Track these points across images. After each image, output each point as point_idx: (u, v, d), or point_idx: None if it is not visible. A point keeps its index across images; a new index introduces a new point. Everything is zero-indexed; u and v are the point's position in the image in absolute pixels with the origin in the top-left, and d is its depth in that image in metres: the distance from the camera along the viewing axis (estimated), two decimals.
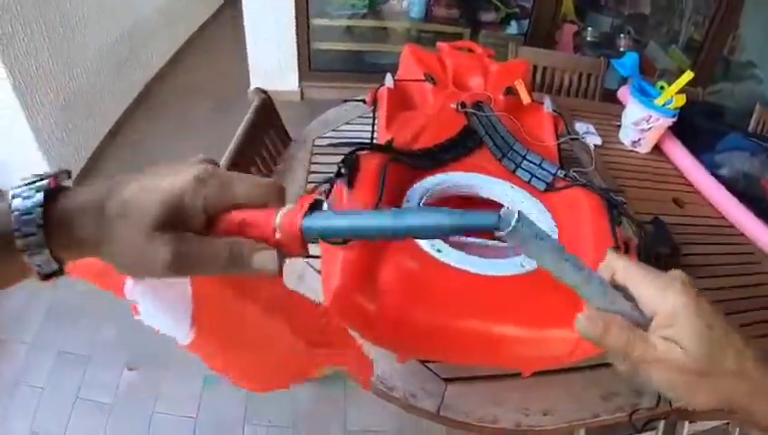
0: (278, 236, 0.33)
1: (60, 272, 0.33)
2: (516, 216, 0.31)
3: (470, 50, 1.40)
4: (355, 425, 1.54)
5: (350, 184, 0.74)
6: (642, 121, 1.46)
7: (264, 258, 0.33)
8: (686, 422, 1.07)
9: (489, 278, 0.71)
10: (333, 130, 1.27)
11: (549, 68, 1.86)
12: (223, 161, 1.07)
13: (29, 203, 0.31)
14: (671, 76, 2.61)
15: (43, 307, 1.80)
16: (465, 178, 0.89)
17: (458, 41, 1.44)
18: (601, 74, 1.86)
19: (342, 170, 0.76)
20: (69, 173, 0.34)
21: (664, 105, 1.43)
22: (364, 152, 0.84)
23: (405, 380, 0.77)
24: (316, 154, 1.18)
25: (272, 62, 2.88)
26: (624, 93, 1.66)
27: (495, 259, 0.73)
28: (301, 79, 2.98)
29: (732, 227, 1.32)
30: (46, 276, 0.32)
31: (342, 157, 0.81)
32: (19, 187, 0.32)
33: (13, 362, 1.60)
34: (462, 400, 0.76)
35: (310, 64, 2.95)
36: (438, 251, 0.72)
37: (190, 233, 0.33)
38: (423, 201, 0.81)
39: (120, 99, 2.74)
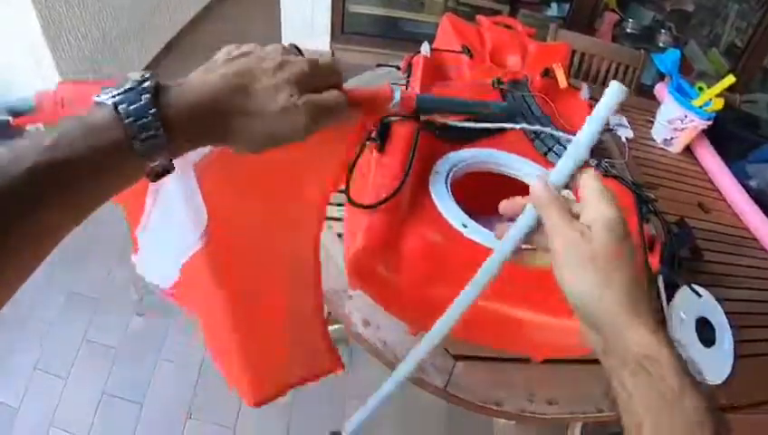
0: (393, 105, 0.44)
1: (170, 171, 0.34)
2: None
3: (508, 26, 1.36)
4: (355, 391, 1.55)
5: (382, 149, 0.72)
6: (677, 121, 1.42)
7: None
8: None
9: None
10: None
11: (587, 55, 1.81)
12: None
13: (140, 107, 0.31)
14: (708, 79, 2.54)
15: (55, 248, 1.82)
16: (496, 155, 0.87)
17: (496, 17, 1.39)
18: (640, 68, 1.81)
19: (374, 134, 0.73)
20: (156, 75, 0.34)
21: (701, 107, 1.38)
22: (396, 118, 0.81)
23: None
24: None
25: (305, 20, 2.83)
26: (661, 90, 1.61)
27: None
28: (332, 40, 2.92)
29: (755, 239, 1.29)
30: (157, 176, 0.33)
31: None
32: (115, 95, 0.31)
33: (23, 300, 1.61)
34: (469, 379, 0.76)
35: (343, 27, 2.89)
36: (464, 226, 0.70)
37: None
38: (452, 174, 0.79)
39: (148, 46, 2.71)
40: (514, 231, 0.41)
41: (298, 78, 0.38)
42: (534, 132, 0.96)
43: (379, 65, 1.30)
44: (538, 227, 0.41)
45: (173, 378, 1.53)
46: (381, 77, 1.31)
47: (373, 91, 0.43)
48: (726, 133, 1.50)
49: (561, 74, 1.16)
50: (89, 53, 2.18)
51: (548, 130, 0.58)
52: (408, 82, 1.15)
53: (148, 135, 0.31)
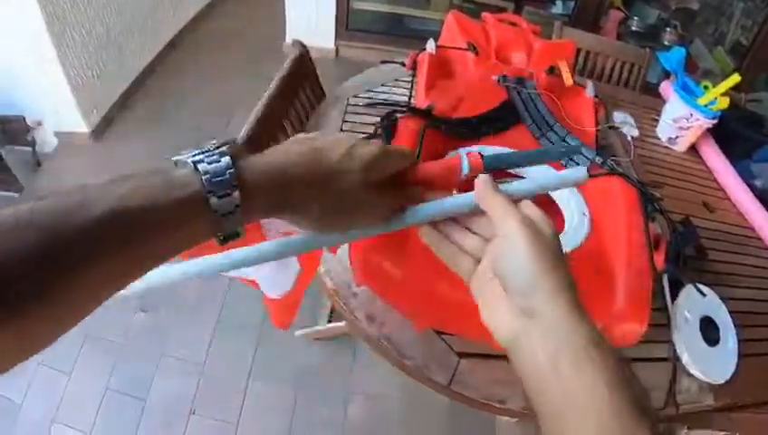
0: (465, 172, 0.43)
1: (239, 235, 0.34)
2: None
3: (513, 23, 1.35)
4: (358, 388, 1.55)
5: (387, 144, 0.72)
6: (682, 119, 1.42)
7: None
8: (686, 428, 1.06)
9: None
10: (369, 91, 1.23)
11: (592, 53, 1.80)
12: (255, 109, 1.04)
13: (219, 166, 0.31)
14: (713, 77, 2.53)
15: None
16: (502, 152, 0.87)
17: (501, 14, 1.39)
18: (645, 66, 1.80)
19: (379, 131, 0.73)
20: (235, 141, 0.36)
21: (706, 105, 1.38)
22: (402, 115, 0.81)
23: (419, 349, 0.76)
24: (349, 113, 1.16)
25: (309, 17, 2.83)
26: (666, 88, 1.60)
27: None
28: (337, 37, 2.92)
29: (759, 239, 1.28)
30: (224, 240, 0.34)
31: (378, 117, 0.79)
32: (194, 154, 0.32)
33: None
34: (473, 376, 0.75)
35: (347, 23, 2.89)
36: None
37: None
38: None
39: (151, 43, 2.71)
40: (447, 201, 0.41)
41: (369, 160, 0.38)
42: (540, 129, 0.96)
43: (383, 62, 1.30)
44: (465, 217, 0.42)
45: (176, 374, 1.53)
46: (386, 74, 1.30)
47: (443, 166, 0.44)
48: (731, 132, 1.49)
49: (567, 72, 1.16)
50: (93, 49, 2.18)
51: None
52: (413, 78, 1.15)
53: (224, 193, 0.31)
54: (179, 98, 2.56)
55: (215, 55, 2.89)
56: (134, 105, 2.50)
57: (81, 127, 2.20)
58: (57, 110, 2.13)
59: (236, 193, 0.31)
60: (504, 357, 0.80)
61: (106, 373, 1.51)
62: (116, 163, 2.19)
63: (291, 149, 0.37)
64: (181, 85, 2.65)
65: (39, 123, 2.15)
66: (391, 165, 0.41)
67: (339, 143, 0.38)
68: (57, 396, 1.46)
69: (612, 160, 0.94)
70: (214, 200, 0.31)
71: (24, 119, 2.09)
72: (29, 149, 2.15)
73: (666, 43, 2.89)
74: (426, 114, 0.83)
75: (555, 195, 0.84)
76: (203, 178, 0.31)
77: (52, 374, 1.50)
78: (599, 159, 0.92)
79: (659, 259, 0.82)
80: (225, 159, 0.32)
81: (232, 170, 0.31)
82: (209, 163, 0.31)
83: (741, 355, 0.91)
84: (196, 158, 0.32)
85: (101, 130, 2.30)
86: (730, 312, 0.95)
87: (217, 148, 0.33)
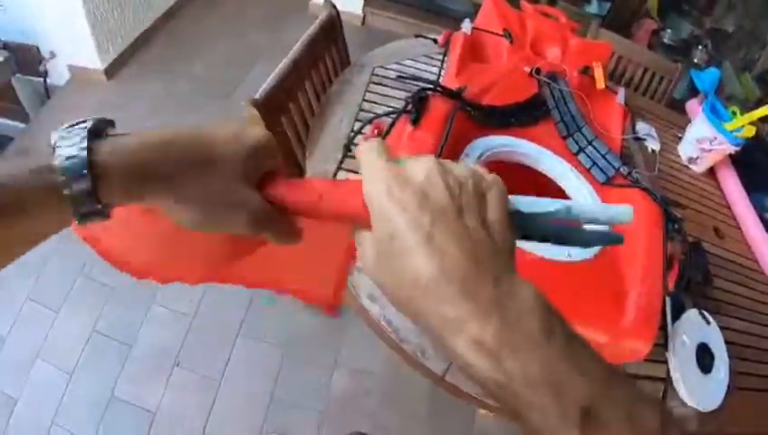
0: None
1: (104, 217, 0.30)
2: None
3: (547, 14, 1.31)
4: (345, 361, 1.55)
5: (416, 122, 0.70)
6: (706, 141, 1.39)
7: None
8: None
9: (533, 259, 0.68)
10: (397, 63, 1.20)
11: (624, 58, 1.76)
12: (278, 69, 1.01)
13: (74, 149, 0.28)
14: (738, 103, 2.49)
15: None
16: (529, 147, 0.84)
17: (539, 5, 1.34)
18: (675, 80, 1.77)
19: (409, 106, 0.71)
20: (113, 123, 0.31)
21: (732, 131, 1.35)
22: (432, 93, 0.78)
23: (418, 335, 0.74)
24: (374, 83, 1.12)
25: None
26: (693, 107, 1.57)
27: None
28: (366, 3, 2.84)
29: (763, 273, 1.27)
30: (84, 218, 0.30)
31: (405, 92, 0.76)
32: (60, 134, 0.29)
33: None
34: None
35: None
36: None
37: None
38: (482, 159, 0.77)
39: None
40: None
41: (256, 146, 0.33)
42: (568, 129, 0.93)
43: (417, 36, 1.25)
44: None
45: (165, 324, 1.52)
46: (415, 48, 1.25)
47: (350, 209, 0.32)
48: (751, 162, 1.48)
49: (600, 74, 1.12)
50: None
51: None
52: (444, 57, 1.12)
53: (76, 180, 0.28)
54: (198, 44, 2.50)
55: (238, 5, 2.82)
56: (151, 47, 2.44)
57: (96, 63, 2.15)
58: (73, 43, 2.07)
59: (87, 181, 0.28)
60: None
61: (94, 315, 1.50)
62: (126, 102, 2.15)
63: (169, 130, 0.32)
64: (201, 32, 2.59)
65: (53, 54, 2.10)
66: (273, 157, 0.35)
67: (224, 126, 0.34)
68: (42, 332, 1.45)
69: (637, 173, 0.92)
70: (66, 192, 0.28)
71: (38, 48, 2.04)
72: (40, 79, 2.11)
73: (695, 60, 2.84)
74: (457, 96, 0.81)
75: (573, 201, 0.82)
76: (57, 159, 0.28)
77: (40, 310, 1.49)
78: (624, 170, 0.90)
79: (671, 280, 0.81)
80: (82, 137, 0.28)
81: (84, 153, 0.28)
82: (68, 146, 0.28)
83: (731, 387, 0.90)
84: (59, 137, 0.29)
85: (116, 68, 2.25)
86: (726, 342, 0.95)
87: (78, 124, 0.29)
